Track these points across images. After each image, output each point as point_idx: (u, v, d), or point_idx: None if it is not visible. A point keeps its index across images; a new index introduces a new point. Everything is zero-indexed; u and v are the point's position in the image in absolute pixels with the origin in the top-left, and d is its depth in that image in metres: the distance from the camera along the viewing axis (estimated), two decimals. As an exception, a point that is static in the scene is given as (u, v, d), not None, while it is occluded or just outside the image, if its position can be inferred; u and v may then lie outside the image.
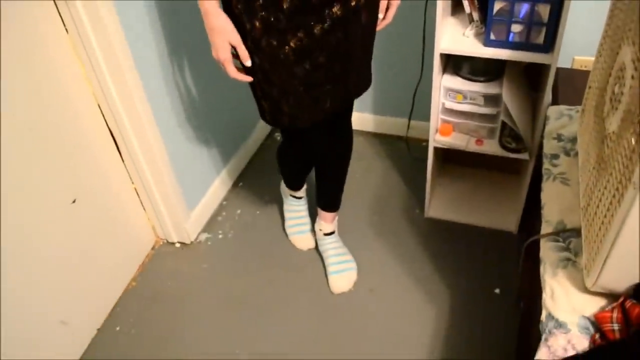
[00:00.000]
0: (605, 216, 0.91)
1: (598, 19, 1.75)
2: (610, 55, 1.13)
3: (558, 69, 1.70)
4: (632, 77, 0.91)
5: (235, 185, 2.24)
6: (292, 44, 1.24)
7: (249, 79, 1.31)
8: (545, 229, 1.19)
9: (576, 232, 1.15)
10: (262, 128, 2.44)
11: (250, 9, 1.18)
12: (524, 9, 1.44)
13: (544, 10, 1.44)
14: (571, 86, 1.68)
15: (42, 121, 1.43)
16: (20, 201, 1.40)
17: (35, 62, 1.39)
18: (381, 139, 2.41)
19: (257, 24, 1.20)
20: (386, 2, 1.42)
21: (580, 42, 1.87)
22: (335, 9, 1.22)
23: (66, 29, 1.46)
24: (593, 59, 1.27)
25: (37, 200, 1.46)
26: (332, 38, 1.26)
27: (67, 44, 1.49)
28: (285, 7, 1.17)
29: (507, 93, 1.59)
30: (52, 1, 1.40)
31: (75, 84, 1.53)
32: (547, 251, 1.15)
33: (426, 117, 2.27)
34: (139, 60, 1.58)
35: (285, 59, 1.26)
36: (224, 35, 1.21)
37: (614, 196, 0.88)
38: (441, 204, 2.04)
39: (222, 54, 1.23)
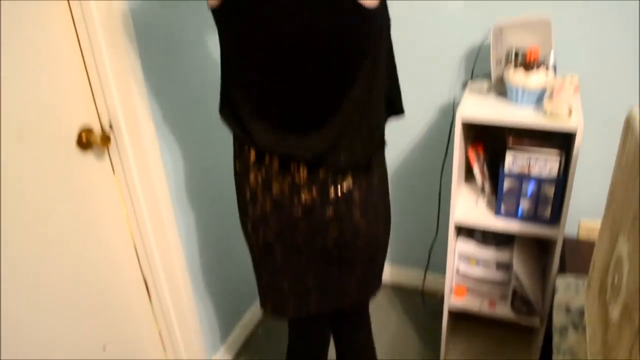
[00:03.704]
0: (611, 405, 0.96)
1: (603, 184, 1.88)
2: (610, 242, 1.22)
3: (565, 239, 1.80)
4: (628, 273, 1.00)
5: (253, 332, 2.28)
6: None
7: None
8: (557, 406, 1.23)
9: (587, 411, 1.18)
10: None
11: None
12: (531, 187, 1.59)
13: (550, 189, 1.58)
14: (578, 256, 1.76)
15: (84, 267, 1.53)
16: (57, 349, 1.47)
17: (83, 205, 1.49)
18: (397, 290, 2.47)
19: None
20: None
21: (586, 206, 1.97)
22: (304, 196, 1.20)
23: (113, 169, 1.58)
24: (599, 224, 1.34)
25: (71, 348, 1.52)
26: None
27: (113, 185, 1.59)
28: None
29: (517, 261, 1.69)
30: (107, 151, 1.54)
31: (115, 227, 1.63)
32: None
33: (440, 269, 2.35)
34: (177, 208, 1.71)
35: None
36: None
37: (618, 387, 0.94)
38: (455, 361, 2.06)
39: None
